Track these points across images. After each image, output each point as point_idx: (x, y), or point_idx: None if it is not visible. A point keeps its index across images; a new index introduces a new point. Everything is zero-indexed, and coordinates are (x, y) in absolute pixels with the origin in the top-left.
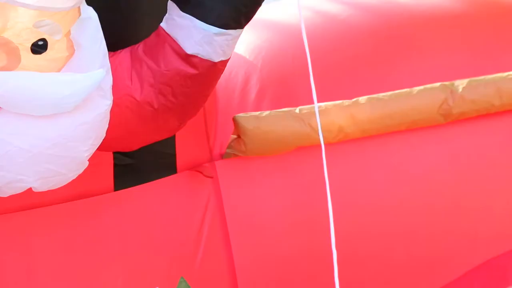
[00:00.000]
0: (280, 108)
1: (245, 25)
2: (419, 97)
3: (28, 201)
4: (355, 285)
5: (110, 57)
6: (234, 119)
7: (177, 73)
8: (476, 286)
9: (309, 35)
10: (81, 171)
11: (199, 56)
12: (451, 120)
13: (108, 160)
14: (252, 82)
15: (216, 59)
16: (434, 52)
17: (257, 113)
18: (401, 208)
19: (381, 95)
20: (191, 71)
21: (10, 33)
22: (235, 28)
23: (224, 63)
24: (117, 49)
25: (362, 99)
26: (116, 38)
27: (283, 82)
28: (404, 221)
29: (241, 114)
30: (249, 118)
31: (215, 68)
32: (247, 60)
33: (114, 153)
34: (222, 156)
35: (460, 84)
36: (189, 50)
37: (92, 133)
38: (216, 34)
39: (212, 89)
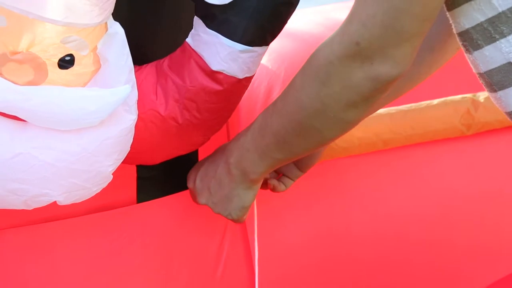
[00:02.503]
0: None
1: (270, 42)
2: (441, 107)
3: (51, 213)
4: None
5: (135, 71)
6: None
7: (202, 89)
8: None
9: None
10: (105, 185)
11: (224, 72)
12: (474, 131)
13: (131, 172)
14: (275, 93)
15: (241, 75)
16: (455, 64)
17: None
18: (424, 221)
19: (400, 107)
20: (216, 87)
21: (38, 49)
22: (260, 45)
23: (249, 79)
24: (143, 64)
25: (382, 110)
26: (142, 53)
27: None
28: (426, 233)
29: None
30: None
31: (239, 85)
32: (269, 70)
33: (138, 165)
34: None
35: (482, 95)
36: (214, 67)
37: (116, 147)
38: (241, 51)
39: (236, 105)
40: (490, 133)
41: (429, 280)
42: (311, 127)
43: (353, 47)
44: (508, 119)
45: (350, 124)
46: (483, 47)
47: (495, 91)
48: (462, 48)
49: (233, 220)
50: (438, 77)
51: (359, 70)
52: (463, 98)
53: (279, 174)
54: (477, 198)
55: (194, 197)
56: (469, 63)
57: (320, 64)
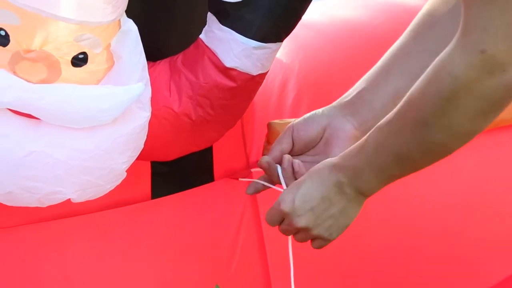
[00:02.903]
0: None
1: (284, 38)
2: None
3: (66, 209)
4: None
5: (149, 68)
6: (268, 125)
7: (215, 86)
8: None
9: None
10: (119, 182)
11: (237, 69)
12: (491, 127)
13: (146, 168)
14: (290, 87)
15: (255, 72)
16: None
17: (291, 119)
18: (440, 213)
19: None
20: (230, 84)
21: (51, 47)
22: (274, 42)
23: (262, 76)
24: (156, 60)
25: None
26: (155, 49)
27: (320, 87)
28: (440, 225)
29: (276, 120)
30: (282, 124)
31: (253, 81)
32: (284, 64)
33: (152, 161)
34: None
35: None
36: (228, 63)
37: (130, 145)
38: (255, 47)
39: (250, 101)
40: (505, 128)
41: (446, 270)
42: (436, 143)
43: (479, 56)
44: None
45: (476, 133)
46: None
47: None
48: None
49: (330, 240)
50: None
51: (490, 80)
52: None
53: None
54: (495, 190)
55: (289, 220)
56: None
57: (442, 80)
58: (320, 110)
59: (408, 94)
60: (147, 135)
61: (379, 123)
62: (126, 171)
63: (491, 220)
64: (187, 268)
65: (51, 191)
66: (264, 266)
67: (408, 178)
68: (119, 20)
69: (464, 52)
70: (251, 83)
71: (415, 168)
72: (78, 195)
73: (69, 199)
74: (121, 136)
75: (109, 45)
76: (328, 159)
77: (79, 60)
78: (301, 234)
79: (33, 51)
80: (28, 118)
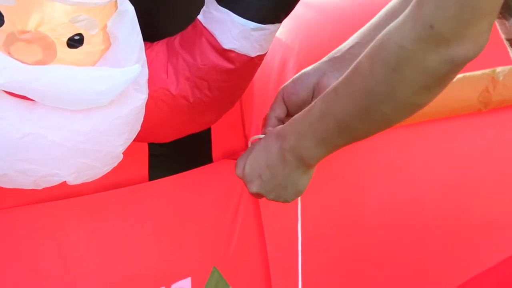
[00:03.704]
0: None
1: (283, 19)
2: (459, 84)
3: (62, 192)
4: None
5: (146, 49)
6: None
7: (213, 68)
8: (501, 281)
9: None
10: (115, 164)
11: (236, 51)
12: (491, 107)
13: (143, 150)
14: (289, 67)
15: (253, 54)
16: None
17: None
18: (440, 197)
19: None
20: (228, 65)
21: (46, 28)
22: (273, 23)
23: (261, 57)
24: (153, 41)
25: None
26: (152, 30)
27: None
28: (441, 208)
29: None
30: None
31: (252, 63)
32: (283, 43)
33: (149, 143)
34: None
35: (502, 71)
36: (226, 45)
37: (127, 127)
38: (253, 29)
39: (248, 83)
40: (507, 108)
41: (444, 252)
42: (379, 112)
43: (427, 30)
44: None
45: (420, 107)
46: None
47: None
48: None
49: (288, 202)
50: None
51: (434, 54)
52: (482, 74)
53: None
54: (493, 172)
55: (245, 185)
56: (501, 29)
57: (390, 49)
58: (309, 68)
59: (357, 60)
60: (144, 117)
61: (327, 89)
62: (123, 153)
63: (491, 200)
64: (185, 250)
65: (47, 173)
66: (262, 247)
67: (408, 158)
68: (116, 1)
69: (414, 24)
70: (249, 65)
71: (357, 137)
72: (74, 178)
73: (65, 181)
74: (117, 118)
75: (106, 26)
76: (278, 126)
77: (75, 42)
78: (256, 195)
79: (28, 32)
80: (23, 100)
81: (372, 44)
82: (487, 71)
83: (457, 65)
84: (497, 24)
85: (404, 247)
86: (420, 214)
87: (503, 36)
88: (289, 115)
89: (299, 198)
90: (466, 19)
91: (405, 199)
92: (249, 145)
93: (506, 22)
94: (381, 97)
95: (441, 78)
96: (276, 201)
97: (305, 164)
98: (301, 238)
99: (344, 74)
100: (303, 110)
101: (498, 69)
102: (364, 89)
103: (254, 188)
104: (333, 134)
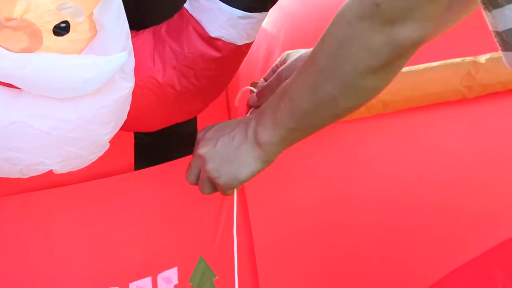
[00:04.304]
0: None
1: (270, 7)
2: (441, 68)
3: (48, 180)
4: (374, 259)
5: (132, 37)
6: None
7: (200, 56)
8: (498, 264)
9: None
10: (102, 153)
11: (222, 39)
12: (475, 94)
13: (129, 139)
14: (275, 57)
15: (240, 42)
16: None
17: None
18: (424, 184)
19: None
20: (215, 54)
21: (32, 15)
22: (260, 11)
23: (248, 45)
24: (140, 29)
25: None
26: (139, 18)
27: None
28: (425, 196)
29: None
30: None
31: (238, 51)
32: (269, 33)
33: (135, 132)
34: None
35: (483, 57)
36: (213, 33)
37: (113, 115)
38: (240, 17)
39: (235, 72)
40: (491, 96)
41: (428, 244)
42: (325, 92)
43: (372, 8)
44: (510, 82)
45: (367, 93)
46: (503, 6)
47: None
48: (481, 6)
49: (220, 187)
50: (438, 40)
51: (379, 33)
52: (463, 60)
53: None
54: (477, 161)
55: (195, 148)
56: (487, 20)
57: (339, 25)
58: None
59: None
60: (131, 106)
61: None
62: (109, 142)
63: (477, 191)
64: (171, 240)
65: (33, 162)
66: (249, 237)
67: (390, 151)
68: None
69: (362, 1)
70: (236, 53)
71: (306, 122)
72: (60, 166)
73: (51, 170)
74: (104, 107)
75: (92, 14)
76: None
77: (61, 29)
78: (195, 163)
79: (14, 19)
80: (9, 88)
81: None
82: (468, 58)
83: (402, 48)
84: (484, 15)
85: (389, 241)
86: (404, 207)
87: (489, 27)
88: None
89: (235, 194)
90: (413, 0)
91: (388, 192)
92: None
93: (489, 14)
94: (327, 74)
95: (386, 61)
96: (209, 176)
97: (259, 147)
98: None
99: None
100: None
101: (479, 56)
102: (314, 64)
103: (201, 150)
104: (286, 116)
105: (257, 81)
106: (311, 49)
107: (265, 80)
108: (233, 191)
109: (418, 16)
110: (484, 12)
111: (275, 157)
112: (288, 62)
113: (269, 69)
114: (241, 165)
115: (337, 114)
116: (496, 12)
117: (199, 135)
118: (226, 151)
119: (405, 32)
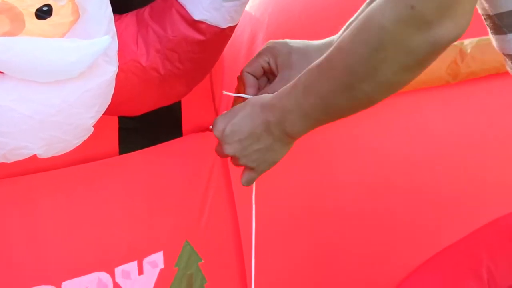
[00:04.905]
0: None
1: None
2: None
3: (32, 165)
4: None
5: (115, 21)
6: (239, 77)
7: (183, 39)
8: (483, 245)
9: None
10: (86, 137)
11: (206, 22)
12: (460, 80)
13: (113, 123)
14: (259, 40)
15: (224, 25)
16: None
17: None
18: (408, 168)
19: None
20: (198, 37)
21: None
22: None
23: (232, 29)
24: (123, 13)
25: None
26: (122, 1)
27: (290, 39)
28: (410, 181)
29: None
30: None
31: (222, 34)
32: (253, 17)
33: (119, 116)
34: None
35: (469, 43)
36: (197, 16)
37: (97, 99)
38: (224, 0)
39: (219, 55)
40: (475, 80)
41: (413, 227)
42: (360, 90)
43: (407, 11)
44: (494, 68)
45: (401, 86)
46: None
47: (504, 33)
48: None
49: (254, 172)
50: None
51: (416, 35)
52: (451, 46)
53: None
54: (461, 144)
55: (219, 145)
56: (477, 4)
57: (371, 30)
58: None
59: (339, 39)
60: (114, 90)
61: (311, 65)
62: (94, 127)
63: (458, 175)
64: (156, 225)
65: (17, 146)
66: (234, 220)
67: (375, 136)
68: None
69: (395, 5)
70: (220, 36)
71: (340, 114)
72: (44, 151)
73: (35, 154)
74: (88, 91)
75: None
76: (264, 95)
77: (43, 13)
78: (231, 159)
79: None
80: None
81: (354, 23)
82: (455, 43)
83: (439, 47)
84: None
85: (375, 225)
86: (388, 190)
87: (479, 11)
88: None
89: (254, 184)
90: (447, 0)
91: (373, 176)
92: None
93: None
94: (362, 76)
95: (422, 59)
96: (246, 166)
97: (289, 137)
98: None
99: (327, 52)
100: (288, 85)
101: (466, 41)
102: (346, 68)
103: (231, 150)
104: (317, 110)
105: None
106: (298, 40)
107: (252, 74)
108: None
109: (454, 14)
110: None
111: None
112: (281, 58)
113: (253, 59)
114: (276, 152)
115: (370, 105)
116: None
117: (217, 134)
118: (256, 147)
119: (443, 31)
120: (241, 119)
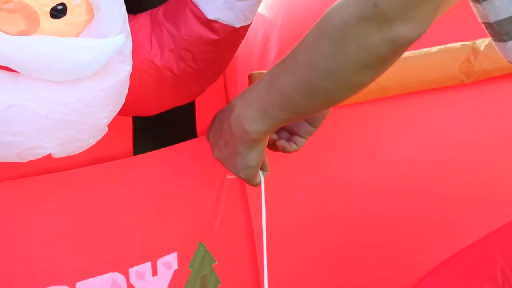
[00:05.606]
0: None
1: None
2: (440, 54)
3: (47, 165)
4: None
5: (129, 20)
6: (250, 76)
7: (197, 39)
8: (498, 247)
9: None
10: (100, 137)
11: (220, 21)
12: (474, 79)
13: (128, 124)
14: (272, 42)
15: (238, 24)
16: (453, 11)
17: None
18: (421, 170)
19: None
20: (212, 36)
21: None
22: None
23: (245, 28)
24: (137, 12)
25: None
26: (136, 1)
27: None
28: (423, 182)
29: (257, 72)
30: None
31: (236, 34)
32: (266, 19)
33: (134, 117)
34: None
35: (482, 42)
36: (210, 15)
37: (111, 99)
38: None
39: (233, 55)
40: (489, 81)
41: (428, 229)
42: (321, 87)
43: (371, 9)
44: (508, 67)
45: (361, 86)
46: None
47: (504, 41)
48: None
49: (245, 180)
50: (437, 24)
51: (377, 33)
52: (462, 45)
53: (290, 133)
54: (476, 146)
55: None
56: (476, 12)
57: (335, 25)
58: None
59: (305, 35)
60: (129, 90)
61: (279, 61)
62: (108, 127)
63: (473, 177)
64: (170, 226)
65: (32, 145)
66: (248, 222)
67: (389, 136)
68: None
69: (359, 2)
70: (234, 36)
71: (297, 113)
72: (59, 150)
73: (50, 154)
74: (102, 90)
75: None
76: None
77: (58, 12)
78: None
79: (10, 1)
80: (6, 71)
81: (320, 18)
82: (467, 42)
83: (400, 46)
84: (472, 7)
85: (389, 227)
86: (402, 192)
87: (479, 19)
88: None
89: (263, 183)
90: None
91: (387, 177)
92: None
93: (479, 6)
94: (323, 72)
95: (384, 58)
96: (233, 173)
97: (249, 138)
98: (267, 224)
99: (294, 47)
100: (255, 81)
101: (478, 40)
102: (308, 62)
103: (215, 155)
104: (276, 106)
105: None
106: None
107: None
108: (260, 179)
109: (417, 14)
110: (472, 4)
111: (268, 137)
112: None
113: None
114: (243, 156)
115: (329, 105)
116: (486, 4)
117: (208, 139)
118: (227, 150)
119: (405, 30)
120: (217, 120)
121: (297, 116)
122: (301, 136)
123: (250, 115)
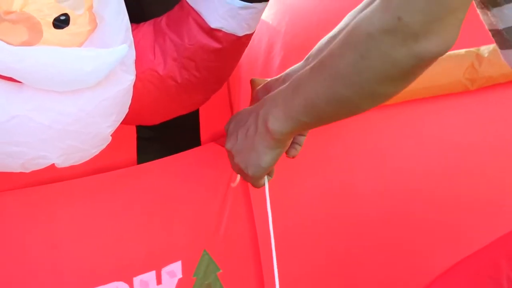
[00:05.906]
0: None
1: None
2: (444, 61)
3: (51, 175)
4: (379, 251)
5: (132, 30)
6: (252, 82)
7: (200, 47)
8: (503, 254)
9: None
10: (104, 146)
11: (223, 30)
12: (478, 85)
13: (131, 133)
14: (276, 50)
15: (241, 33)
16: None
17: (277, 76)
18: (427, 176)
19: None
20: (215, 45)
21: (32, 8)
22: (260, 1)
23: (248, 37)
24: (140, 22)
25: None
26: (139, 11)
27: (307, 49)
28: (429, 188)
29: (258, 79)
30: (265, 81)
31: (239, 42)
32: (270, 26)
33: (138, 126)
34: None
35: (486, 48)
36: (213, 24)
37: (114, 108)
38: (240, 7)
39: (236, 63)
40: (493, 87)
41: (433, 236)
42: (344, 96)
43: (394, 21)
44: None
45: (384, 98)
46: (502, 5)
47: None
48: (478, 5)
49: (249, 178)
50: None
51: (402, 47)
52: (467, 52)
53: None
54: (481, 152)
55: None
56: (484, 19)
57: (359, 36)
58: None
59: (332, 44)
60: (132, 99)
61: (309, 65)
62: (111, 136)
63: (478, 184)
64: (175, 234)
65: (35, 156)
66: (252, 230)
67: (394, 142)
68: None
69: (383, 15)
70: (237, 44)
71: (320, 118)
72: (62, 160)
73: (54, 164)
74: (105, 100)
75: (91, 6)
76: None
77: (61, 22)
78: (229, 157)
79: (13, 12)
80: (10, 82)
81: (346, 29)
82: (471, 49)
83: (424, 61)
84: (480, 14)
85: (394, 233)
86: (408, 198)
87: (487, 27)
88: None
89: (267, 188)
90: (434, 13)
91: (392, 183)
92: None
93: (489, 12)
94: (347, 81)
95: (407, 72)
96: (239, 168)
97: (270, 136)
98: (275, 227)
99: (322, 55)
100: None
101: (483, 47)
102: (333, 71)
103: (228, 145)
104: (300, 110)
105: (258, 79)
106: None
107: None
108: (264, 181)
109: (441, 28)
110: (480, 11)
111: (288, 142)
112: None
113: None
114: (259, 154)
115: (352, 113)
116: (496, 10)
117: (226, 128)
118: (245, 142)
119: (429, 45)
120: (244, 112)
121: (320, 122)
122: (297, 143)
123: (275, 114)
